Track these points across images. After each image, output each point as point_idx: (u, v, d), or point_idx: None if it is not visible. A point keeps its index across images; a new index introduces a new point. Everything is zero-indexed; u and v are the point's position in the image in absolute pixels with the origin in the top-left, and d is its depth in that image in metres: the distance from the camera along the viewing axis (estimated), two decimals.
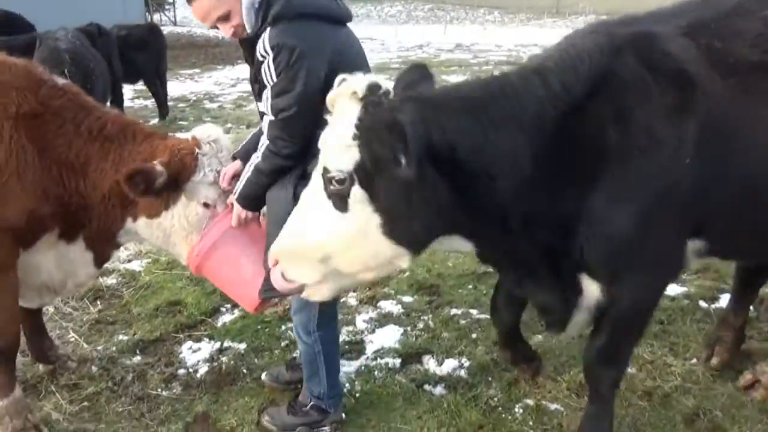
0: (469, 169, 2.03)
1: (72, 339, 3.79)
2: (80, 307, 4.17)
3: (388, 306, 4.12)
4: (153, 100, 9.47)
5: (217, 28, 2.49)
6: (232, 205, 2.67)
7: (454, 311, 4.03)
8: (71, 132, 2.68)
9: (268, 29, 2.30)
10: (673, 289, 4.04)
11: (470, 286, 4.35)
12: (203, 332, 3.85)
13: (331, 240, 2.09)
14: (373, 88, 1.99)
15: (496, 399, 3.17)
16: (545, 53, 2.32)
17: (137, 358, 3.59)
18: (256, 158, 2.51)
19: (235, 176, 2.69)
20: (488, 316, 3.86)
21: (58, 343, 3.63)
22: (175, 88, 10.65)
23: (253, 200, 2.60)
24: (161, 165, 2.64)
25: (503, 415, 3.05)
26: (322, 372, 2.86)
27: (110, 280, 4.51)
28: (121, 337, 3.81)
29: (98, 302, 4.24)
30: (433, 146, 1.95)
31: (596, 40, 2.21)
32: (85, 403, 3.21)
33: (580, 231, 2.17)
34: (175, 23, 18.07)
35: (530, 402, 3.11)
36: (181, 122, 9.76)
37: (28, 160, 2.58)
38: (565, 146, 2.08)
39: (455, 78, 12.38)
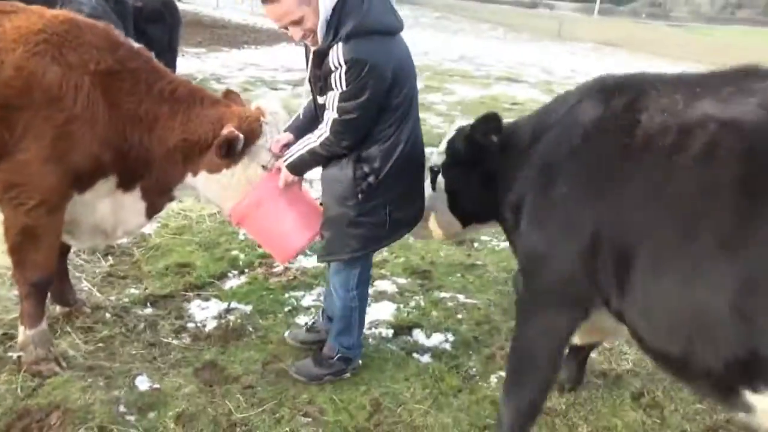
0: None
1: (85, 288, 3.98)
2: (91, 260, 4.35)
3: (384, 285, 4.36)
4: None
5: (287, 29, 2.75)
6: (278, 168, 3.02)
7: (443, 294, 4.29)
8: (143, 91, 2.97)
9: (341, 44, 2.59)
10: None
11: (458, 275, 4.64)
12: (211, 293, 4.08)
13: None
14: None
15: (474, 369, 3.49)
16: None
17: (148, 310, 3.82)
18: (312, 142, 2.86)
19: (286, 145, 3.05)
20: (473, 301, 4.19)
21: None
22: (181, 65, 10.72)
23: (300, 171, 3.02)
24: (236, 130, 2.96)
25: (480, 383, 3.38)
26: (356, 325, 3.25)
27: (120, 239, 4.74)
28: (132, 290, 4.02)
29: (109, 257, 4.41)
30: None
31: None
32: (100, 344, 3.42)
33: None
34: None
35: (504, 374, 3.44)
36: None
37: (100, 112, 2.87)
38: None
39: (458, 87, 12.74)
